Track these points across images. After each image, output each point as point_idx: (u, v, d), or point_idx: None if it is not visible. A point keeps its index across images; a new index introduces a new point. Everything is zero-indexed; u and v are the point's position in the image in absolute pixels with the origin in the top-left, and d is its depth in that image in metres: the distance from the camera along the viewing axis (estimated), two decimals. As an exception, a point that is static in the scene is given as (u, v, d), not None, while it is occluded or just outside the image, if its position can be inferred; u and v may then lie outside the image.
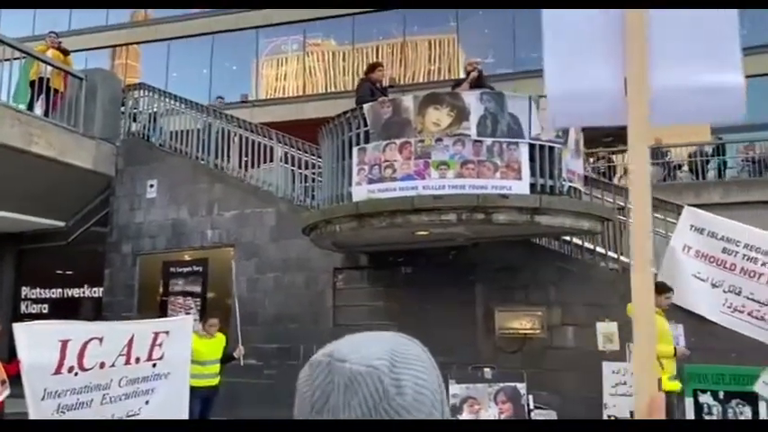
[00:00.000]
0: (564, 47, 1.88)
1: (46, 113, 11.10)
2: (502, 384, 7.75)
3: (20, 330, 4.53)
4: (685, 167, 15.65)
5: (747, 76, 1.96)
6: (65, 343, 4.64)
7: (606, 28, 1.83)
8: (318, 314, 9.83)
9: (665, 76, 1.77)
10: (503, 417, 7.63)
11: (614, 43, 1.81)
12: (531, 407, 7.83)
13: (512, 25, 19.72)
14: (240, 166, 11.27)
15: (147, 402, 5.49)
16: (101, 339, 4.88)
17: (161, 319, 6.80)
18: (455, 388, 7.53)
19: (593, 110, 1.91)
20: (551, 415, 7.78)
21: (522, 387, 7.78)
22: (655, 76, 1.80)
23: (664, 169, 15.18)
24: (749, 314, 7.03)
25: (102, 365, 4.93)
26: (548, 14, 1.92)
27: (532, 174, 7.48)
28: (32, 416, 4.48)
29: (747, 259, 7.10)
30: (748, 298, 7.03)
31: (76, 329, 5.00)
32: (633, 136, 1.84)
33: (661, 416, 1.22)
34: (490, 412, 7.52)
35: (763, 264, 7.01)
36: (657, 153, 14.75)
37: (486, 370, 7.63)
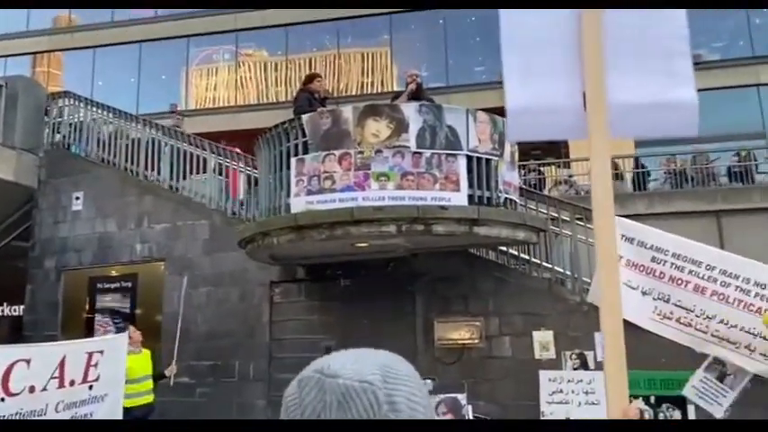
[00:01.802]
0: (523, 63, 1.89)
1: (-38, 122, 10.50)
2: (443, 396, 7.73)
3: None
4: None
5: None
6: (-13, 366, 4.33)
7: (564, 45, 1.85)
8: (254, 329, 9.60)
9: (622, 91, 1.81)
10: (443, 428, 7.62)
11: (572, 59, 1.84)
12: (471, 417, 7.86)
13: (444, 39, 20.03)
14: (171, 178, 10.93)
15: None
16: (28, 361, 4.56)
17: (94, 339, 6.46)
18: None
19: (552, 124, 1.93)
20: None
21: (462, 398, 7.79)
22: (612, 91, 1.82)
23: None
24: (677, 321, 7.24)
25: (32, 389, 4.60)
26: (506, 30, 1.91)
27: (470, 185, 7.55)
28: None
29: (675, 268, 7.32)
30: (676, 305, 7.24)
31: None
32: (595, 149, 1.86)
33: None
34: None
35: (690, 272, 7.25)
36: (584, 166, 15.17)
37: (428, 382, 7.61)
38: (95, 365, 5.13)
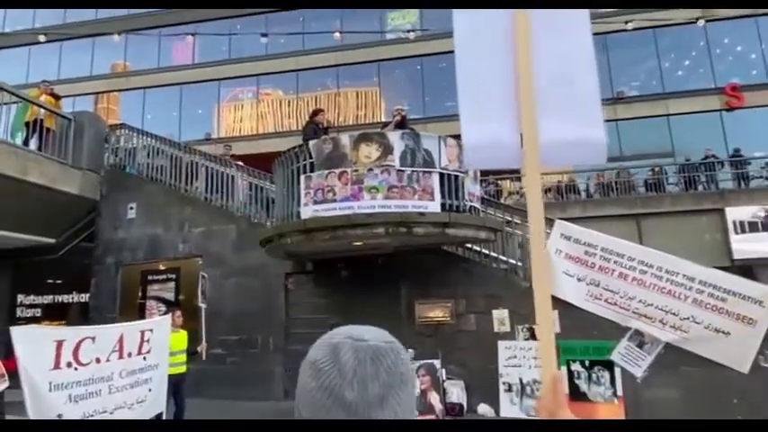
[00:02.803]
0: (474, 107, 1.93)
1: (39, 148, 10.40)
2: (422, 361, 7.75)
3: (17, 333, 4.16)
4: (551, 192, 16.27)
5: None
6: (60, 343, 4.28)
7: (505, 93, 1.88)
8: (273, 310, 9.58)
9: (551, 132, 1.88)
10: (422, 387, 7.63)
11: (512, 105, 1.87)
12: (444, 378, 7.87)
13: (421, 80, 20.10)
14: (206, 191, 10.89)
15: (150, 390, 5.20)
16: (93, 338, 4.54)
17: (144, 321, 6.42)
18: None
19: (498, 156, 2.01)
20: (460, 384, 7.83)
21: (437, 363, 7.82)
22: (543, 131, 1.91)
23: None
24: (606, 301, 7.31)
25: (98, 360, 4.57)
26: (461, 80, 1.99)
27: (443, 196, 7.57)
28: (32, 408, 4.09)
29: (603, 259, 7.39)
30: (605, 289, 7.31)
31: (69, 332, 4.64)
32: (529, 176, 1.95)
33: (563, 388, 1.25)
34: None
35: (615, 262, 7.32)
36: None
37: (410, 350, 7.61)
38: (147, 341, 5.11)
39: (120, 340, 4.78)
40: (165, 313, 6.90)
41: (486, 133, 1.88)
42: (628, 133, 17.72)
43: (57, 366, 4.23)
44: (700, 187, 15.56)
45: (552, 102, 1.87)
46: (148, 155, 11.69)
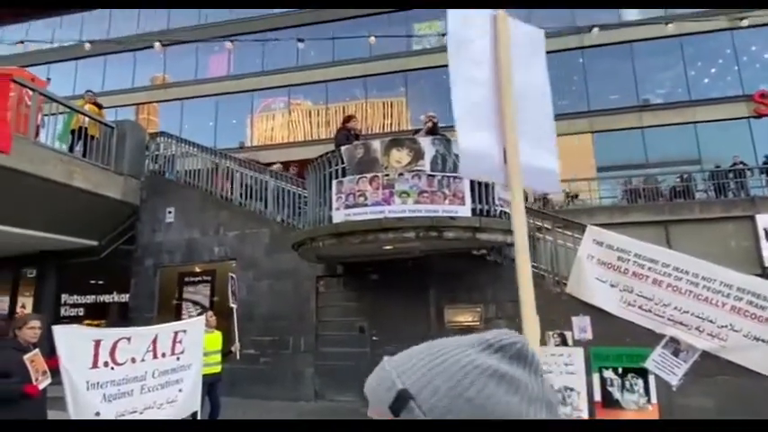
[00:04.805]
0: (468, 123, 1.99)
1: (84, 155, 10.52)
2: (452, 366, 7.50)
3: (58, 332, 4.08)
4: (581, 196, 15.84)
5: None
6: (98, 342, 4.20)
7: (492, 113, 1.98)
8: (304, 312, 9.44)
9: (525, 157, 1.98)
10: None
11: (498, 128, 1.99)
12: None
13: (447, 90, 19.83)
14: (241, 196, 10.85)
15: (180, 390, 5.06)
16: (129, 339, 4.44)
17: (179, 322, 6.32)
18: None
19: (485, 167, 2.03)
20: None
21: (467, 368, 7.55)
22: (521, 156, 1.98)
23: (566, 197, 15.33)
24: (639, 308, 6.95)
25: (133, 360, 4.47)
26: (457, 96, 2.04)
27: (473, 201, 7.33)
28: (73, 405, 4.00)
29: (637, 265, 7.04)
30: (639, 295, 6.95)
31: (106, 332, 4.56)
32: (514, 191, 2.01)
33: None
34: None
35: (649, 269, 6.96)
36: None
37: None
38: (180, 342, 4.99)
39: (154, 341, 4.67)
40: (200, 314, 6.80)
41: (477, 141, 1.92)
42: (654, 140, 17.18)
43: (95, 365, 4.14)
44: (729, 194, 14.95)
45: (530, 133, 1.95)
46: (186, 162, 11.72)
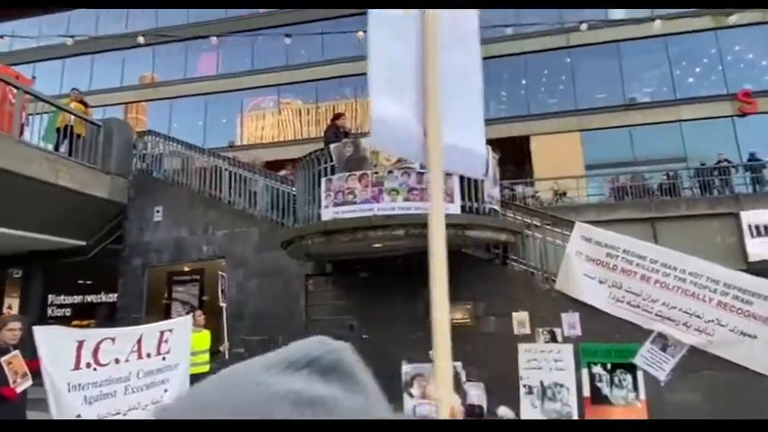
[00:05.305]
0: (386, 84, 1.79)
1: (69, 153, 10.32)
2: (442, 363, 7.42)
3: (40, 333, 3.96)
4: (569, 194, 15.86)
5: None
6: (80, 343, 4.07)
7: (413, 85, 1.80)
8: (293, 311, 9.33)
9: (447, 137, 1.80)
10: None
11: (419, 97, 1.81)
12: (464, 380, 7.54)
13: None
14: (230, 195, 10.72)
15: (165, 390, 4.92)
16: (113, 339, 4.32)
17: (165, 321, 6.19)
18: (407, 367, 7.19)
19: (402, 144, 1.85)
20: (480, 386, 7.50)
21: (458, 365, 7.49)
22: (444, 134, 1.81)
23: (554, 195, 15.34)
24: (628, 303, 6.95)
25: (117, 361, 4.35)
26: (374, 61, 1.81)
27: (462, 198, 7.28)
28: (55, 407, 3.88)
29: (625, 261, 7.03)
30: (627, 291, 6.94)
31: (89, 332, 4.44)
32: (433, 171, 1.81)
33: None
34: (433, 386, 7.18)
35: (637, 265, 6.95)
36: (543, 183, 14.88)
37: (431, 353, 7.29)
38: (166, 341, 4.87)
39: (139, 341, 4.56)
40: (188, 313, 6.68)
41: (394, 113, 1.75)
42: (640, 139, 17.25)
43: (77, 367, 4.03)
44: (714, 192, 15.05)
45: (449, 107, 1.82)
46: (174, 160, 11.57)
